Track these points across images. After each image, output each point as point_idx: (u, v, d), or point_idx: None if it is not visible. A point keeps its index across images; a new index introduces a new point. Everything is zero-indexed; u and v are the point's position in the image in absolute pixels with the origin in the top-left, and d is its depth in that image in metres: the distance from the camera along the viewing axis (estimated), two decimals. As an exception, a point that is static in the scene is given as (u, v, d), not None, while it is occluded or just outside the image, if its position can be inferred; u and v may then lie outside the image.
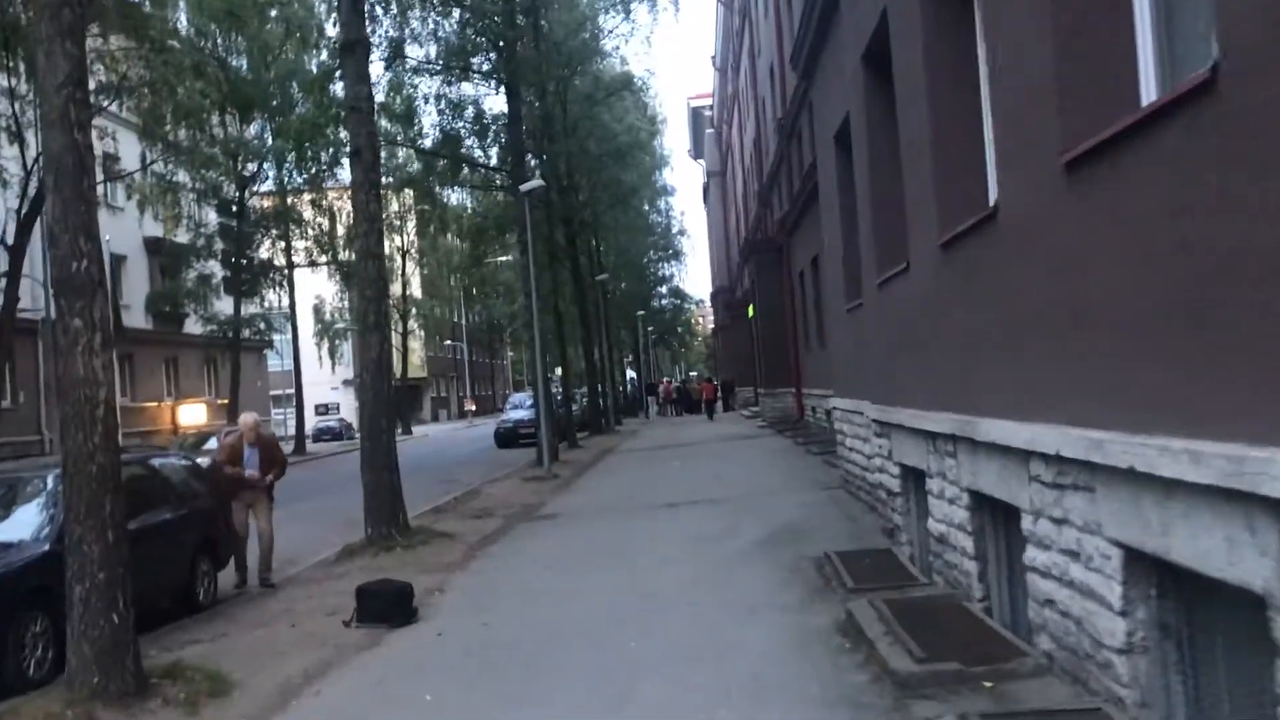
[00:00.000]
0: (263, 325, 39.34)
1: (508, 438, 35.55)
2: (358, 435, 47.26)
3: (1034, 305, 5.12)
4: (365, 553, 12.06)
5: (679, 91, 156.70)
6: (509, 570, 10.47)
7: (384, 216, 50.75)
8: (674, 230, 71.25)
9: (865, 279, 10.16)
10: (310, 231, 40.02)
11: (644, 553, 10.62)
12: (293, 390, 72.01)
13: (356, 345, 12.85)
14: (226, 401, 41.46)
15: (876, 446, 9.88)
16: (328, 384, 70.02)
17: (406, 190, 40.70)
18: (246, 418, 11.67)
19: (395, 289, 57.02)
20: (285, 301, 42.40)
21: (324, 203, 40.83)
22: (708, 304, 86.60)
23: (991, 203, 5.82)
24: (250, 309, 40.22)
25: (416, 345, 71.56)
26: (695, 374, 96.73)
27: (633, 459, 24.91)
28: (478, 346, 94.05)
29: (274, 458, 11.30)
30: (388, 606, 8.52)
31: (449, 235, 43.47)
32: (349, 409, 68.91)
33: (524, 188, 21.52)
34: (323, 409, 70.65)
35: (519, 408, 38.26)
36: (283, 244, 40.50)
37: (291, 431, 48.48)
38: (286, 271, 41.01)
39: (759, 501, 13.78)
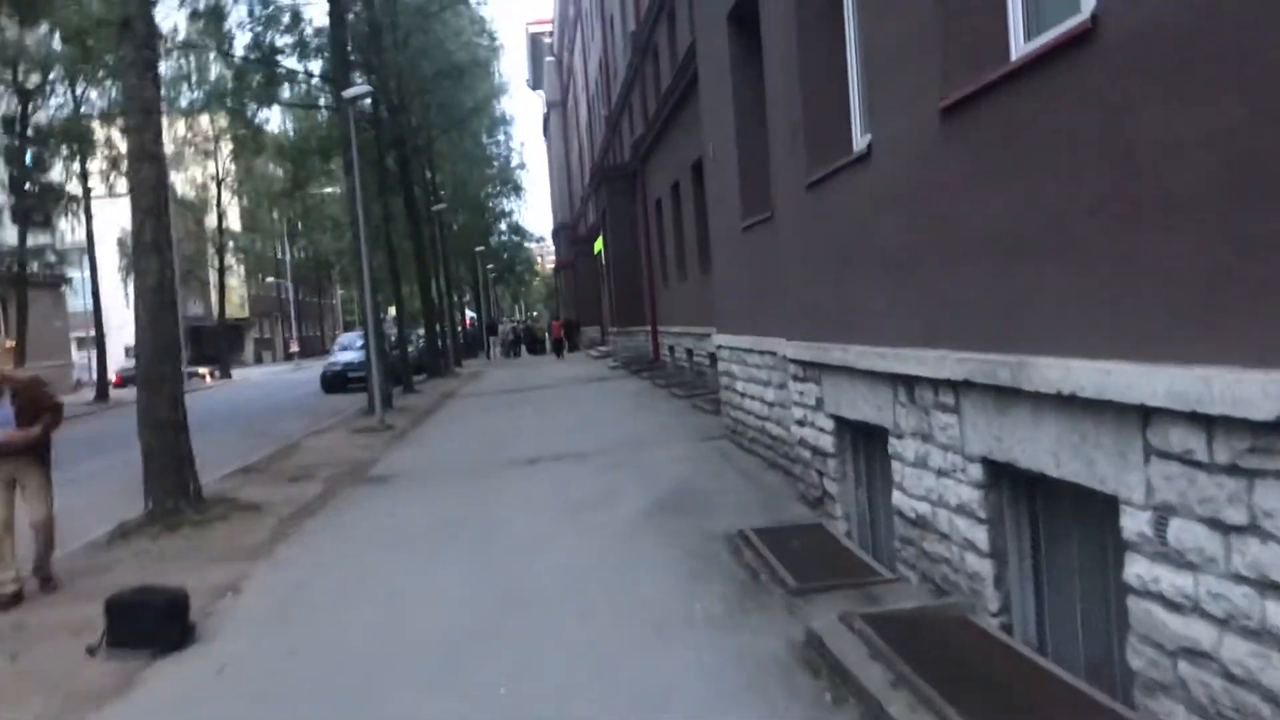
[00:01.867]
0: (53, 259, 34.66)
1: (335, 382, 32.58)
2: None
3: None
4: (144, 533, 9.49)
5: (517, 18, 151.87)
6: (328, 558, 8.12)
7: (193, 137, 46.36)
8: (513, 164, 68.26)
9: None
10: (105, 154, 35.50)
11: (504, 529, 8.43)
12: (91, 332, 66.86)
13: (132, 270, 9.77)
14: (12, 344, 36.89)
15: (794, 393, 7.92)
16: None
17: (221, 114, 36.81)
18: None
19: (210, 221, 52.56)
20: (82, 233, 37.86)
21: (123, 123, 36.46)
22: (549, 242, 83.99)
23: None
24: (40, 240, 35.58)
25: (236, 283, 66.66)
26: (536, 314, 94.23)
27: (478, 405, 22.56)
28: (305, 285, 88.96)
29: (40, 402, 7.82)
30: (152, 625, 6.10)
31: (267, 161, 39.63)
32: (162, 352, 63.66)
33: (348, 93, 18.64)
34: (131, 351, 65.33)
35: (348, 349, 35.12)
36: (78, 168, 35.93)
37: (95, 376, 43.90)
38: (82, 199, 36.50)
39: (634, 456, 11.75)
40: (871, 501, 6.73)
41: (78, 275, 62.41)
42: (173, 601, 6.23)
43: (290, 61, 27.46)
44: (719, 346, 11.97)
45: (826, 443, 7.13)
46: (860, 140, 6.60)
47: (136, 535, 9.45)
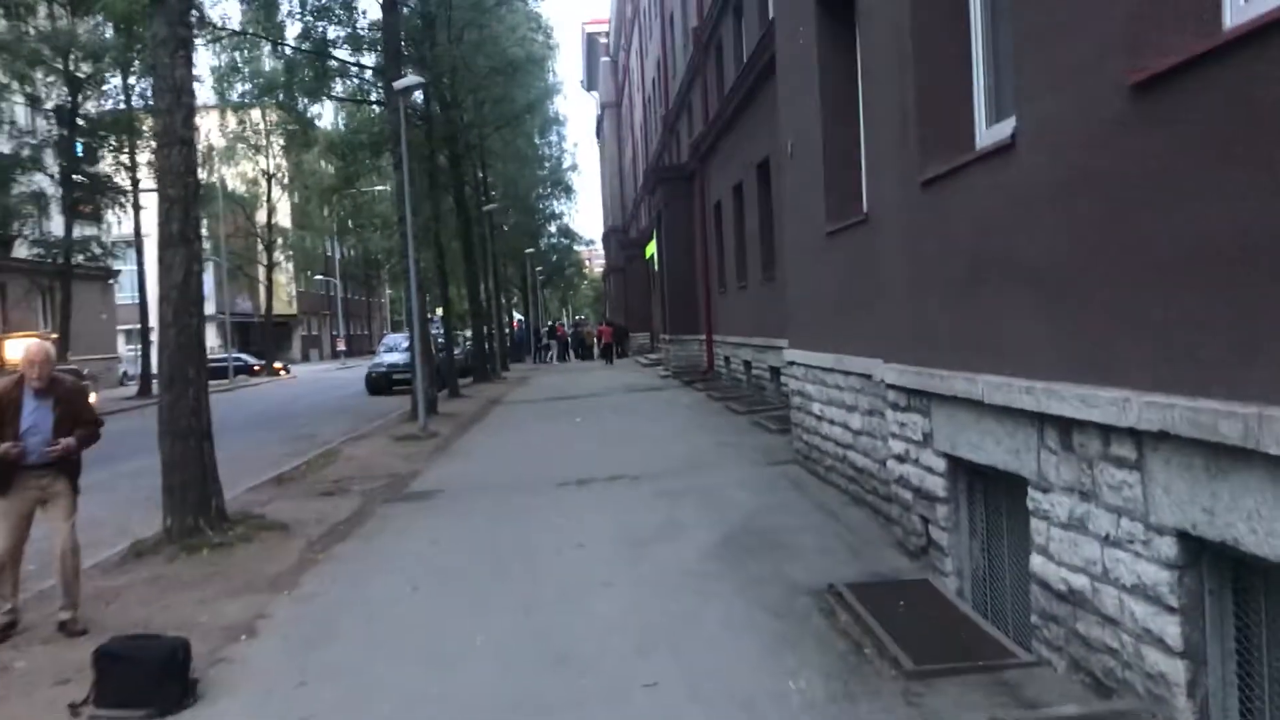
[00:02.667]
0: (99, 250, 34.31)
1: (380, 383, 31.93)
2: (231, 376, 42.37)
3: None
4: (160, 554, 8.67)
5: (574, 18, 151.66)
6: (357, 594, 7.19)
7: (244, 131, 46.02)
8: (565, 166, 67.54)
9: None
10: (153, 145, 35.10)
11: (554, 567, 7.47)
12: (140, 325, 67.10)
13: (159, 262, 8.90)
14: (55, 337, 36.65)
15: (892, 424, 6.89)
16: (187, 319, 64.75)
17: (271, 109, 36.30)
18: (32, 347, 6.84)
19: (260, 216, 52.32)
20: (130, 226, 37.58)
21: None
22: (598, 245, 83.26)
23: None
24: (87, 232, 35.28)
25: (285, 280, 66.58)
26: (581, 318, 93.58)
27: (525, 413, 21.68)
28: (354, 283, 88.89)
29: (79, 415, 6.92)
30: (147, 681, 5.21)
31: (316, 156, 39.17)
32: (211, 346, 63.93)
33: (398, 84, 17.83)
34: (181, 346, 65.41)
35: (394, 350, 34.43)
36: (127, 159, 35.62)
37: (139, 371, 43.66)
38: (130, 191, 36.20)
39: (694, 480, 10.77)
40: (992, 559, 5.69)
41: (125, 268, 63.03)
42: (170, 654, 5.33)
43: (343, 54, 26.87)
44: (791, 362, 10.95)
45: (935, 485, 6.10)
46: (988, 131, 5.58)
47: (151, 556, 8.63)
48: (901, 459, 6.72)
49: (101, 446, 7.53)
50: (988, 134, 5.58)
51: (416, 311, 18.27)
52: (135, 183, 36.32)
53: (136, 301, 63.53)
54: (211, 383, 35.59)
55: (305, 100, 29.86)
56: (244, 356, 55.87)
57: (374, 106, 29.34)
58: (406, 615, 6.52)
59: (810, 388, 10.02)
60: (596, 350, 50.50)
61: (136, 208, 36.37)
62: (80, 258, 34.00)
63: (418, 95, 28.78)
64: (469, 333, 38.83)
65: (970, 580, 5.88)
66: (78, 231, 35.46)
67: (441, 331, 30.91)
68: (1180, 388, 3.49)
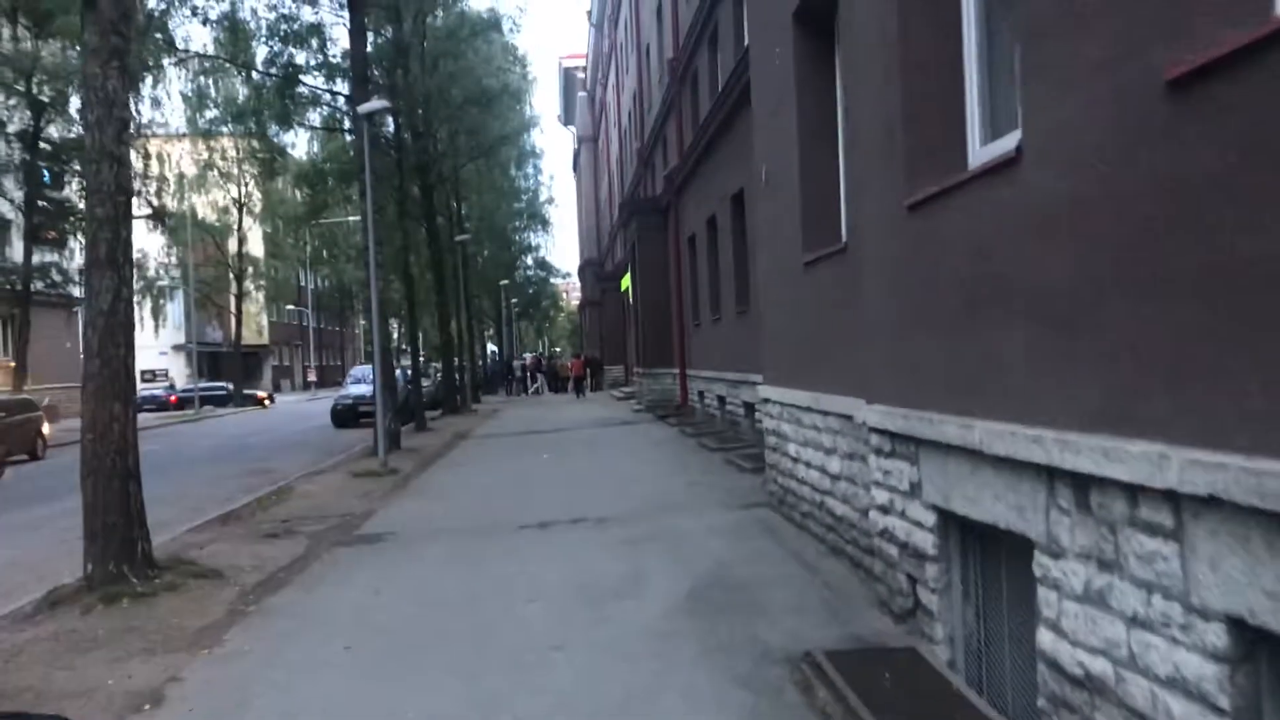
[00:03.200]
0: (58, 277, 33.39)
1: (345, 416, 31.10)
2: (197, 406, 41.30)
3: None
4: (76, 604, 7.91)
5: (551, 52, 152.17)
6: (284, 659, 6.46)
7: (214, 159, 44.89)
8: (541, 199, 67.18)
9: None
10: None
11: (505, 629, 6.76)
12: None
13: (85, 290, 8.18)
14: (12, 365, 35.71)
15: (875, 470, 6.27)
16: (154, 348, 63.63)
17: (243, 137, 35.56)
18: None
19: (231, 245, 51.51)
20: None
21: (147, 143, 35.41)
22: (575, 278, 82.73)
23: None
24: (49, 258, 34.38)
25: (256, 309, 65.65)
26: (559, 350, 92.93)
27: (492, 448, 20.96)
28: (327, 314, 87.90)
29: None
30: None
31: (285, 184, 38.53)
32: (180, 376, 62.77)
33: (363, 108, 17.24)
34: (149, 375, 64.25)
35: (361, 381, 33.60)
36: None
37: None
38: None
39: (663, 523, 10.11)
40: (989, 627, 5.06)
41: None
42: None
43: (314, 81, 26.31)
44: (765, 400, 10.34)
45: (924, 541, 5.47)
46: (983, 149, 5.01)
47: (67, 606, 7.88)
48: (885, 510, 6.10)
49: (48, 480, 6.86)
50: (982, 152, 5.01)
51: (378, 343, 17.57)
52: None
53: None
54: (176, 413, 34.53)
55: (276, 127, 29.28)
56: (227, 385, 55.10)
57: (347, 135, 28.81)
58: (333, 684, 5.81)
59: (786, 427, 9.41)
60: (571, 383, 49.86)
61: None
62: (40, 284, 33.03)
63: (389, 123, 28.36)
64: (439, 364, 38.14)
65: (964, 650, 5.24)
66: (39, 258, 34.66)
67: (408, 364, 30.18)
68: (1234, 443, 2.89)
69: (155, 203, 35.63)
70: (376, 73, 26.87)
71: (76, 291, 39.08)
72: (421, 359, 51.17)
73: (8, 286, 32.64)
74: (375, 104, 17.15)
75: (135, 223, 34.47)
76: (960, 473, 4.88)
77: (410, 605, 7.55)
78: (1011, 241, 4.27)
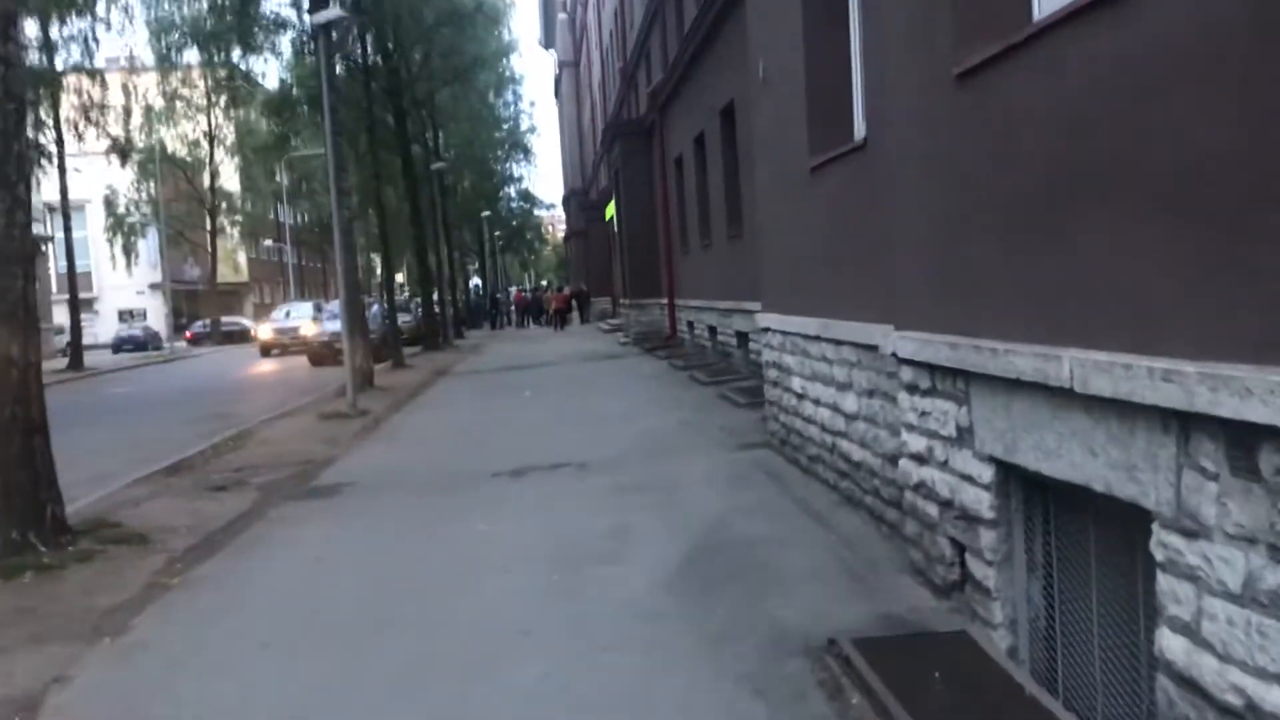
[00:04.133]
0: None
1: (322, 354, 29.84)
2: (165, 345, 40.18)
3: None
4: (-29, 579, 6.81)
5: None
6: (198, 646, 5.38)
7: (182, 89, 43.11)
8: (523, 128, 65.37)
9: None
10: (76, 103, 32.51)
11: (459, 605, 5.68)
12: (90, 294, 64.37)
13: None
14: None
15: (906, 410, 5.15)
16: (132, 287, 62.18)
17: (209, 66, 33.73)
18: None
19: (203, 181, 49.79)
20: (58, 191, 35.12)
21: (104, 74, 33.56)
22: (559, 210, 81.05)
23: None
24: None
25: (234, 246, 63.94)
26: (546, 283, 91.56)
27: (471, 385, 19.85)
28: (307, 249, 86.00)
29: None
30: None
31: (255, 114, 36.89)
32: (157, 316, 61.40)
33: (318, 17, 15.79)
34: (127, 315, 62.83)
35: (337, 318, 32.36)
36: (49, 116, 33.04)
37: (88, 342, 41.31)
38: (55, 153, 33.66)
39: (650, 470, 9.03)
40: (1065, 610, 3.98)
41: (59, 235, 60.21)
42: None
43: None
44: (764, 329, 9.19)
45: (975, 501, 4.37)
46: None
47: (-40, 582, 6.77)
48: (922, 459, 4.99)
49: None
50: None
51: (343, 277, 16.34)
52: (60, 142, 33.80)
53: (83, 271, 61.09)
54: (144, 354, 33.02)
55: (241, 52, 27.68)
56: (243, 320, 53.99)
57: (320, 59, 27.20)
58: (243, 688, 4.72)
59: (789, 359, 8.27)
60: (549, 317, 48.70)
61: (62, 170, 33.88)
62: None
63: (357, 46, 26.78)
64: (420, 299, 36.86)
65: (1028, 637, 4.18)
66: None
67: (384, 298, 28.94)
68: None
69: (114, 135, 33.81)
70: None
71: (46, 230, 37.55)
72: (405, 294, 49.97)
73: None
74: (331, 13, 15.70)
75: (96, 158, 32.79)
76: (1034, 417, 3.76)
77: (354, 578, 6.45)
78: (1126, 98, 3.09)
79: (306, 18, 24.14)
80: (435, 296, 34.95)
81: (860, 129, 6.63)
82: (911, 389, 5.05)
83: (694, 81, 18.95)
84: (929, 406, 4.85)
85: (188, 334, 54.13)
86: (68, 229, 34.46)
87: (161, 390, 25.37)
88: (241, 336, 51.95)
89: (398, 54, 29.08)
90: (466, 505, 8.32)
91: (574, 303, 49.67)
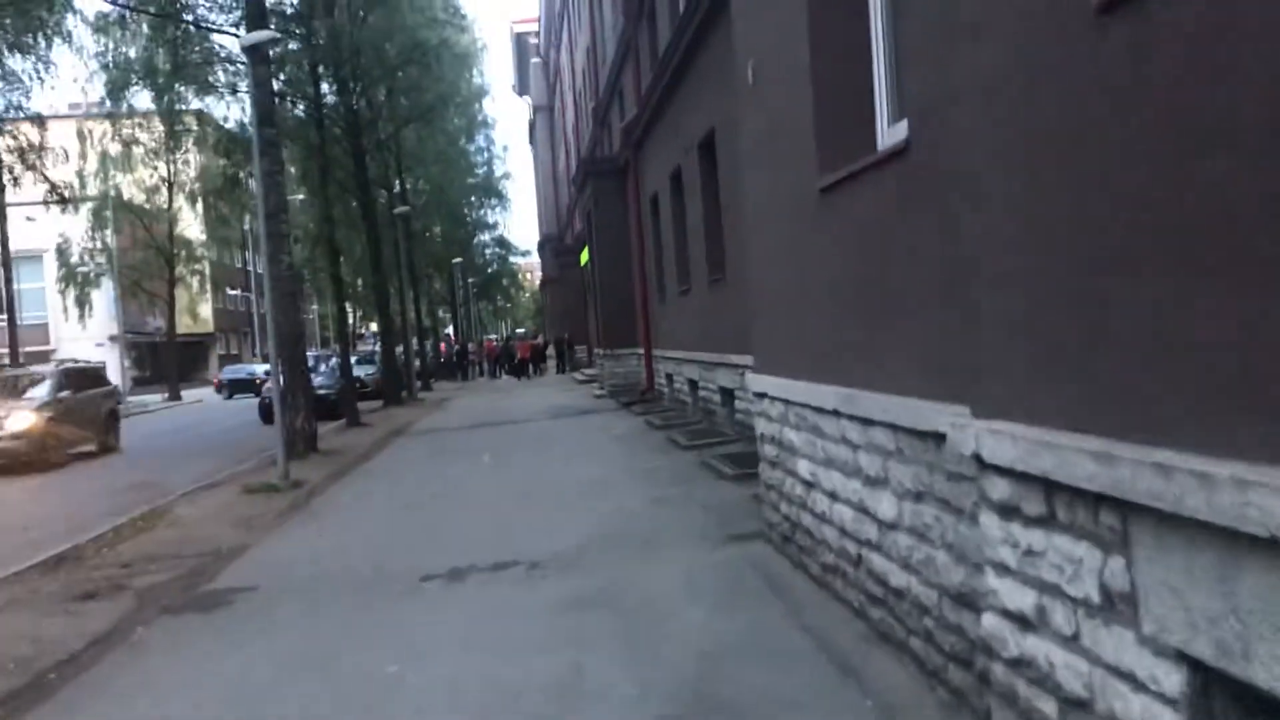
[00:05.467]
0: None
1: (272, 411, 27.86)
2: (125, 400, 37.76)
3: None
4: None
5: (503, 18, 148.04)
6: None
7: (140, 136, 41.10)
8: (498, 174, 63.86)
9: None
10: (13, 144, 30.58)
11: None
12: (47, 346, 62.05)
13: None
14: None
15: (1002, 541, 3.35)
16: (90, 339, 59.65)
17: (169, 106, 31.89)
18: None
19: (163, 228, 47.77)
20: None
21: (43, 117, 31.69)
22: (536, 257, 79.41)
23: None
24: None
25: (199, 295, 61.75)
26: (522, 331, 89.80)
27: (427, 447, 17.95)
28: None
29: None
30: None
31: (206, 156, 35.11)
32: (115, 369, 59.02)
33: (245, 39, 14.06)
34: (83, 369, 60.45)
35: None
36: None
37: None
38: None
39: (619, 572, 7.19)
40: None
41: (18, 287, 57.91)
42: None
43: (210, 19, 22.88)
44: (759, 394, 7.38)
45: (1145, 716, 2.56)
46: None
47: None
48: (1027, 623, 3.19)
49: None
50: None
51: (273, 328, 14.48)
52: (1, 188, 31.79)
53: (36, 323, 58.85)
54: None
55: (181, 87, 26.01)
56: (256, 370, 51.53)
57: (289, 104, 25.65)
58: None
59: (793, 436, 6.47)
60: (531, 367, 46.86)
61: (2, 215, 31.94)
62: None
63: (309, 82, 25.16)
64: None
65: None
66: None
67: (335, 354, 27.04)
68: None
69: (54, 181, 31.85)
70: (291, 23, 23.71)
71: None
72: (375, 345, 47.87)
73: None
74: (261, 34, 13.99)
75: (55, 211, 30.51)
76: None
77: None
78: None
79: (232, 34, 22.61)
80: (400, 348, 33.09)
81: (887, 134, 4.90)
82: (1008, 512, 3.26)
83: (669, 113, 17.33)
84: (1042, 544, 3.06)
85: (215, 380, 53.35)
86: (7, 280, 32.41)
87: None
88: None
89: (358, 91, 27.45)
90: (382, 627, 6.45)
91: (549, 351, 48.07)
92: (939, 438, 4.04)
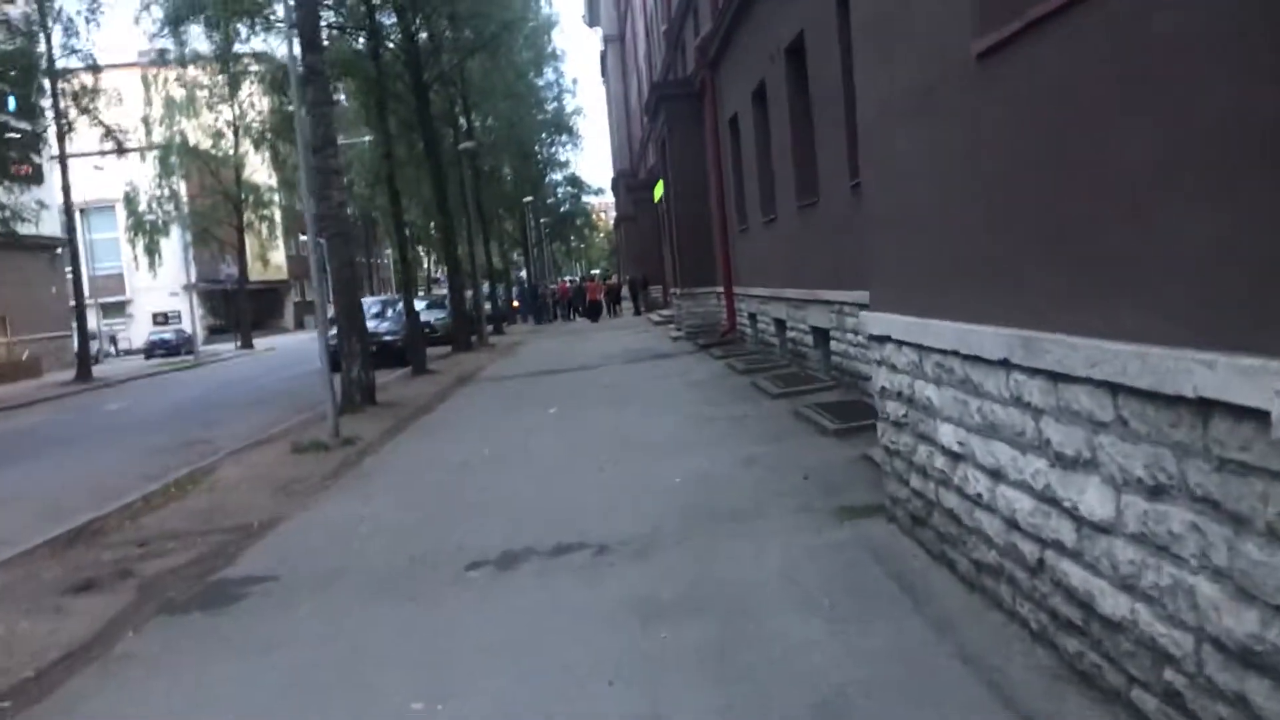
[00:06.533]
0: (6, 213, 29.03)
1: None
2: (199, 349, 37.67)
3: None
4: None
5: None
6: None
7: (202, 80, 40.42)
8: (568, 109, 62.04)
9: None
10: (70, 89, 29.80)
11: None
12: (123, 297, 62.40)
13: None
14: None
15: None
16: (165, 289, 59.82)
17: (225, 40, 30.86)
18: None
19: (230, 174, 47.20)
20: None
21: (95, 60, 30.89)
22: (609, 194, 77.73)
23: None
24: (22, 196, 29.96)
25: (272, 242, 61.42)
26: (597, 272, 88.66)
27: (491, 397, 16.70)
28: (352, 243, 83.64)
29: None
30: None
31: (256, 94, 34.15)
32: (194, 317, 59.19)
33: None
34: (160, 318, 60.67)
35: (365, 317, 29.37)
36: (49, 103, 30.37)
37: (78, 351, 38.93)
38: (55, 146, 31.06)
39: (705, 563, 5.78)
40: None
41: (102, 236, 57.99)
42: None
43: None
44: (878, 337, 5.83)
45: None
46: None
47: None
48: None
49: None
50: None
51: (319, 271, 13.25)
52: (62, 134, 31.16)
53: (112, 272, 59.08)
54: (174, 359, 30.37)
55: (236, 23, 24.90)
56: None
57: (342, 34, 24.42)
58: None
59: (931, 392, 4.95)
60: (607, 308, 45.58)
61: (64, 163, 31.28)
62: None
63: (367, 11, 23.81)
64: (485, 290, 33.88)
65: None
66: (3, 195, 30.40)
67: (396, 296, 25.97)
68: None
69: (108, 125, 31.10)
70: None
71: (49, 229, 35.01)
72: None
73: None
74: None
75: (126, 159, 29.79)
76: None
77: None
78: None
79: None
80: (470, 292, 31.97)
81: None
82: None
83: (750, 22, 15.60)
84: None
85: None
86: (70, 229, 31.86)
87: (155, 407, 22.60)
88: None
89: (415, 19, 25.98)
90: (413, 639, 5.15)
91: (623, 292, 46.78)
92: (1196, 405, 2.53)
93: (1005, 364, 3.92)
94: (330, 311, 16.18)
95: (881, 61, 5.37)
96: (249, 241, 51.72)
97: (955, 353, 4.45)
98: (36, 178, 33.64)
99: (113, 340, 59.30)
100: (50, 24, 29.60)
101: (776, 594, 5.11)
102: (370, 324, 24.80)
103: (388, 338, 25.64)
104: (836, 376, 11.95)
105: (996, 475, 4.19)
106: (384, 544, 7.28)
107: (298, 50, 14.27)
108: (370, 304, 28.56)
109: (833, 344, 12.03)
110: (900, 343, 5.33)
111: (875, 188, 5.78)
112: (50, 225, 33.64)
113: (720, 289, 21.37)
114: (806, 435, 9.42)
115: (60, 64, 30.33)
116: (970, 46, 4.03)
